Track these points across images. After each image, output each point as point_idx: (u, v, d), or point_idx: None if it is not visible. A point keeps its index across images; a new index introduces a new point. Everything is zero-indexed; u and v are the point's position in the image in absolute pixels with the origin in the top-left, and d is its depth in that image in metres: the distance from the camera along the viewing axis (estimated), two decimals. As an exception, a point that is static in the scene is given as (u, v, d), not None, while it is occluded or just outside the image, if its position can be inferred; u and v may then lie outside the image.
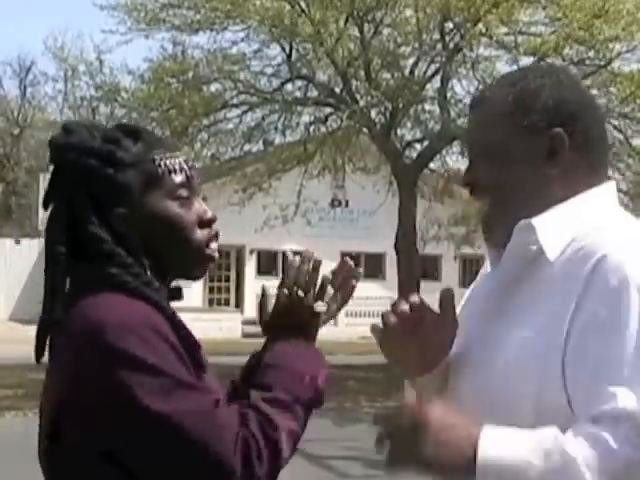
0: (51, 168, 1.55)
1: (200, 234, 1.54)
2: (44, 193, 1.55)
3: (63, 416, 1.42)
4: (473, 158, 1.54)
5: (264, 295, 1.59)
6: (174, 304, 1.56)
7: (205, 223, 1.54)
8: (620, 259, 1.34)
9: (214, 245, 1.56)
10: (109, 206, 1.49)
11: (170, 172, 1.52)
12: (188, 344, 1.44)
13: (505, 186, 1.48)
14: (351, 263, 1.63)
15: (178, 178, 1.52)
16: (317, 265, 1.55)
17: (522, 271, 1.46)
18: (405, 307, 1.49)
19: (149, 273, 1.50)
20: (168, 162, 1.52)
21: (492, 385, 1.42)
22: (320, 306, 1.53)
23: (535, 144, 1.46)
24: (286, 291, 1.52)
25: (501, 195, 1.49)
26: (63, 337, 1.44)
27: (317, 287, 1.54)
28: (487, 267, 1.63)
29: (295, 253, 1.59)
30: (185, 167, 1.54)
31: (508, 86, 1.51)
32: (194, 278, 1.59)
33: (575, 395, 1.32)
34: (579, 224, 1.44)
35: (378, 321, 1.53)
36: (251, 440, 1.37)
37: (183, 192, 1.53)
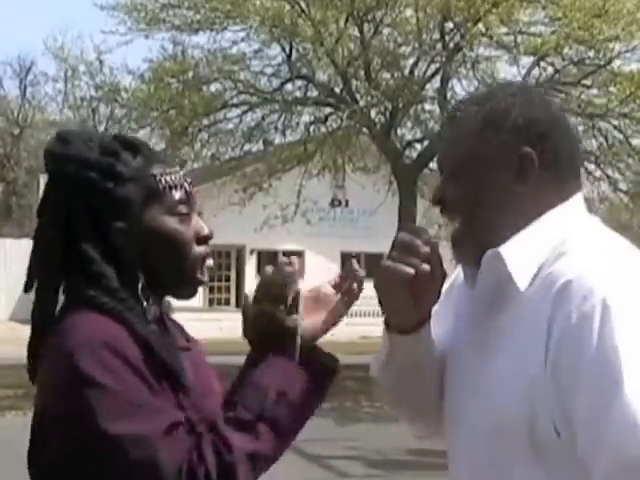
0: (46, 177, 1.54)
1: (197, 250, 1.54)
2: (39, 202, 1.53)
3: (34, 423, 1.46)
4: (443, 176, 1.53)
5: (245, 303, 1.52)
6: (178, 303, 1.60)
7: (202, 239, 1.55)
8: (587, 281, 1.33)
9: (210, 262, 1.57)
10: (107, 220, 1.48)
11: (170, 188, 1.52)
12: (164, 368, 1.42)
13: (474, 205, 1.47)
14: (357, 266, 1.63)
15: (178, 194, 1.53)
16: (290, 276, 1.50)
17: (495, 298, 1.45)
18: (427, 250, 1.48)
19: (140, 289, 1.48)
20: (168, 178, 1.52)
21: (486, 414, 1.42)
22: (291, 321, 1.48)
23: (504, 163, 1.46)
24: (255, 304, 1.49)
25: (470, 214, 1.48)
26: (45, 349, 1.46)
27: (290, 299, 1.49)
28: (460, 277, 1.62)
29: (285, 253, 1.57)
30: (185, 183, 1.55)
31: (478, 105, 1.50)
32: (184, 297, 1.57)
33: (570, 432, 1.31)
34: (547, 247, 1.42)
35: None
36: (198, 466, 1.33)
37: (182, 208, 1.53)
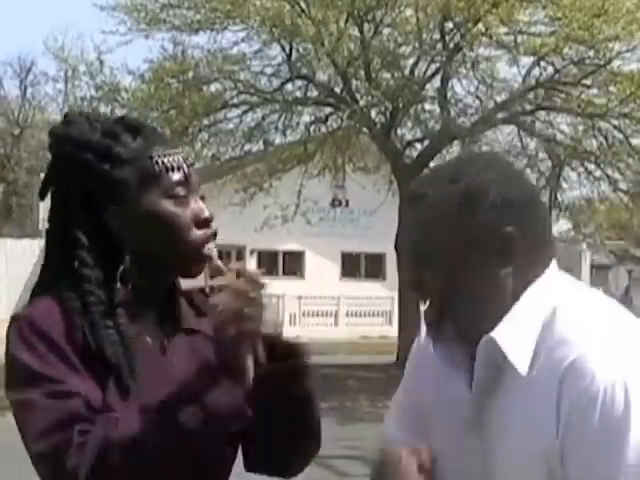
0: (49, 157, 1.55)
1: (196, 234, 1.50)
2: (41, 182, 1.55)
3: None
4: (416, 261, 1.43)
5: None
6: None
7: (201, 222, 1.51)
8: (590, 363, 1.30)
9: (211, 245, 1.52)
10: (103, 202, 1.48)
11: (167, 170, 1.49)
12: (89, 348, 1.42)
13: (456, 289, 1.39)
14: (219, 263, 1.49)
15: (175, 176, 1.50)
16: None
17: (494, 383, 1.40)
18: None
19: (121, 271, 1.49)
20: (166, 160, 1.49)
21: None
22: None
23: (486, 245, 1.37)
24: None
25: (451, 298, 1.40)
26: None
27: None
28: (424, 338, 1.55)
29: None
30: (183, 165, 1.51)
31: (451, 183, 1.40)
32: (190, 276, 1.55)
33: None
34: (538, 323, 1.37)
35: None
36: (66, 448, 1.35)
37: (180, 190, 1.50)
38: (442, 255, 1.39)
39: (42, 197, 1.55)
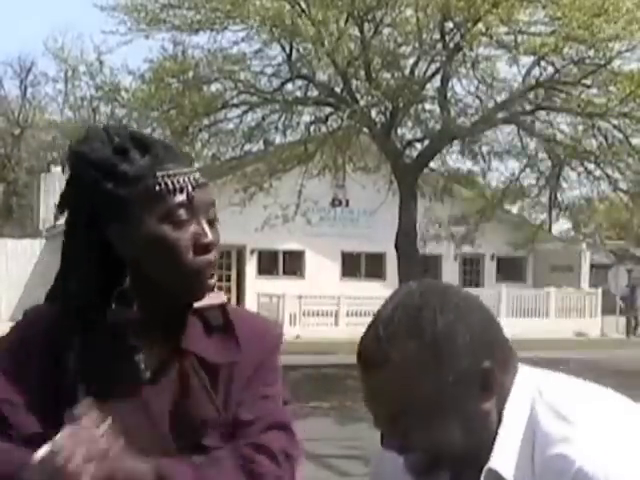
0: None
1: (192, 259, 1.45)
2: (59, 197, 1.55)
3: None
4: (393, 422, 1.36)
5: None
6: None
7: (200, 248, 1.45)
8: (593, 469, 1.27)
9: (209, 272, 1.47)
10: (106, 219, 1.46)
11: (169, 191, 1.44)
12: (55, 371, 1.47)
13: (443, 440, 1.34)
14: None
15: (177, 198, 1.44)
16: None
17: None
18: None
19: (117, 292, 1.51)
20: (169, 180, 1.44)
21: None
22: None
23: (466, 388, 1.32)
24: None
25: (442, 452, 1.36)
26: None
27: None
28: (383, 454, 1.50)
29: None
30: (188, 186, 1.45)
31: (412, 338, 1.31)
32: (189, 300, 1.51)
33: None
34: (526, 437, 1.35)
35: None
36: None
37: (181, 214, 1.44)
38: (427, 416, 1.32)
39: (60, 212, 1.55)
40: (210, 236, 1.46)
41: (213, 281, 1.48)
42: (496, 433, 1.35)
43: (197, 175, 1.48)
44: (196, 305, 1.53)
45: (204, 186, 1.49)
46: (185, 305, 1.53)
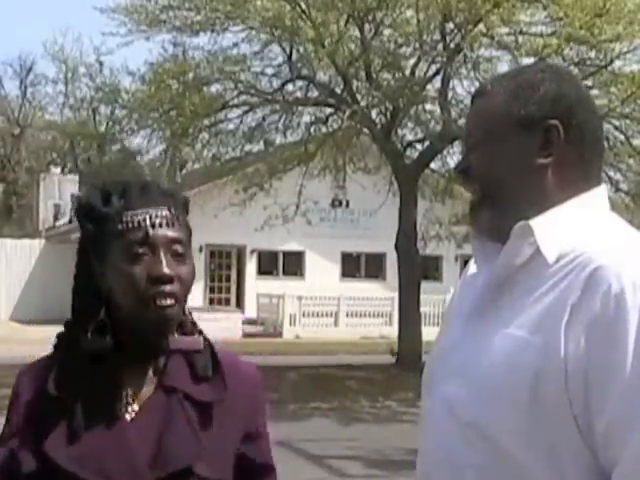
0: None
1: (144, 288, 1.55)
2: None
3: None
4: (467, 147, 1.56)
5: None
6: None
7: (153, 279, 1.55)
8: (616, 271, 1.34)
9: (163, 302, 1.56)
10: (93, 259, 1.62)
11: (129, 229, 1.57)
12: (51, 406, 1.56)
13: (497, 173, 1.50)
14: None
15: (137, 235, 1.57)
16: None
17: (514, 272, 1.47)
18: None
19: (96, 322, 1.60)
20: (131, 218, 1.58)
21: (483, 378, 1.42)
22: None
23: (530, 135, 1.48)
24: None
25: (492, 182, 1.50)
26: None
27: None
28: (471, 268, 1.64)
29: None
30: (146, 223, 1.57)
31: (508, 78, 1.55)
32: (156, 333, 1.60)
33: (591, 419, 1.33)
34: (576, 230, 1.44)
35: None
36: None
37: (137, 248, 1.57)
38: (490, 140, 1.51)
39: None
40: (165, 269, 1.56)
41: (169, 301, 1.56)
42: (547, 201, 1.47)
43: (164, 213, 1.60)
44: (181, 347, 1.64)
45: (173, 224, 1.61)
46: (159, 339, 1.61)
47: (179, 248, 1.59)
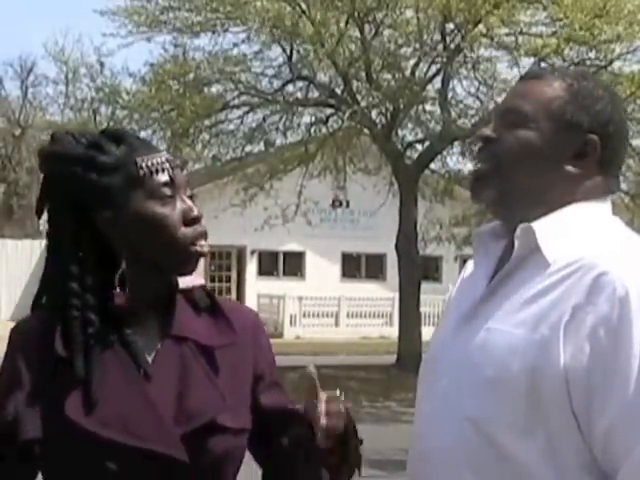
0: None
1: (184, 232, 1.53)
2: (36, 200, 1.61)
3: None
4: (503, 121, 1.55)
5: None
6: None
7: (189, 221, 1.54)
8: (620, 276, 1.36)
9: (202, 242, 1.55)
10: (95, 209, 1.53)
11: (152, 173, 1.53)
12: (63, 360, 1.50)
13: (522, 163, 1.50)
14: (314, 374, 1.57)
15: (160, 178, 1.54)
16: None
17: (514, 271, 1.48)
18: None
19: (119, 275, 1.56)
20: (149, 163, 1.53)
21: (481, 375, 1.43)
22: None
23: (569, 139, 1.50)
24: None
25: (513, 169, 1.50)
26: None
27: None
28: (469, 268, 1.65)
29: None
30: (167, 166, 1.55)
31: (570, 78, 1.55)
32: (184, 274, 1.59)
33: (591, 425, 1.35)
34: (578, 233, 1.46)
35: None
36: None
37: (166, 191, 1.54)
38: (530, 126, 1.51)
39: (39, 215, 1.61)
40: (196, 210, 1.56)
41: (206, 248, 1.56)
42: (558, 205, 1.48)
43: (171, 157, 1.57)
44: (181, 286, 1.60)
45: (180, 167, 1.59)
46: (174, 286, 1.59)
47: (189, 190, 1.59)
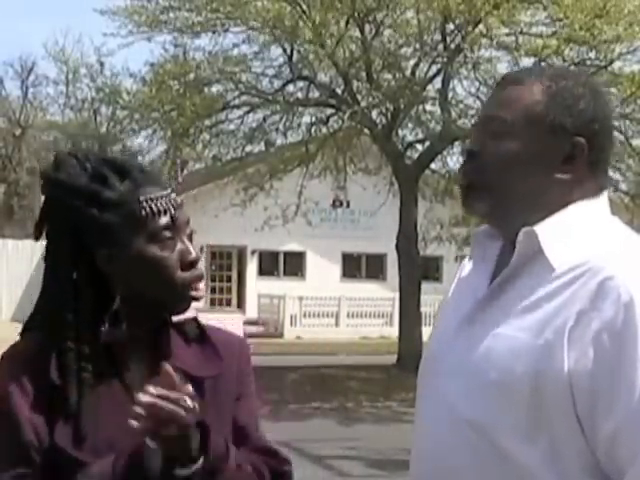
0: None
1: (182, 276, 1.54)
2: (35, 222, 1.59)
3: None
4: (484, 131, 1.51)
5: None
6: None
7: (187, 265, 1.55)
8: (625, 281, 1.35)
9: (198, 285, 1.58)
10: (94, 245, 1.53)
11: (154, 214, 1.52)
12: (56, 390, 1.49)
13: (510, 172, 1.47)
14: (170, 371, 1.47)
15: (162, 220, 1.53)
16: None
17: (517, 275, 1.47)
18: None
19: (111, 312, 1.55)
20: (152, 204, 1.52)
21: (483, 377, 1.42)
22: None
23: (555, 144, 1.47)
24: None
25: (502, 179, 1.47)
26: None
27: None
28: (466, 267, 1.63)
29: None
30: (170, 208, 1.54)
31: (547, 78, 1.50)
32: (178, 314, 1.61)
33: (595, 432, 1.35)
34: (581, 236, 1.45)
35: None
36: None
37: (166, 233, 1.53)
38: (514, 133, 1.47)
39: (37, 238, 1.61)
40: (194, 253, 1.56)
41: (201, 293, 1.55)
42: (553, 208, 1.46)
43: (174, 196, 1.57)
44: (174, 320, 1.62)
45: (181, 206, 1.58)
46: (168, 322, 1.61)
47: (189, 230, 1.59)
